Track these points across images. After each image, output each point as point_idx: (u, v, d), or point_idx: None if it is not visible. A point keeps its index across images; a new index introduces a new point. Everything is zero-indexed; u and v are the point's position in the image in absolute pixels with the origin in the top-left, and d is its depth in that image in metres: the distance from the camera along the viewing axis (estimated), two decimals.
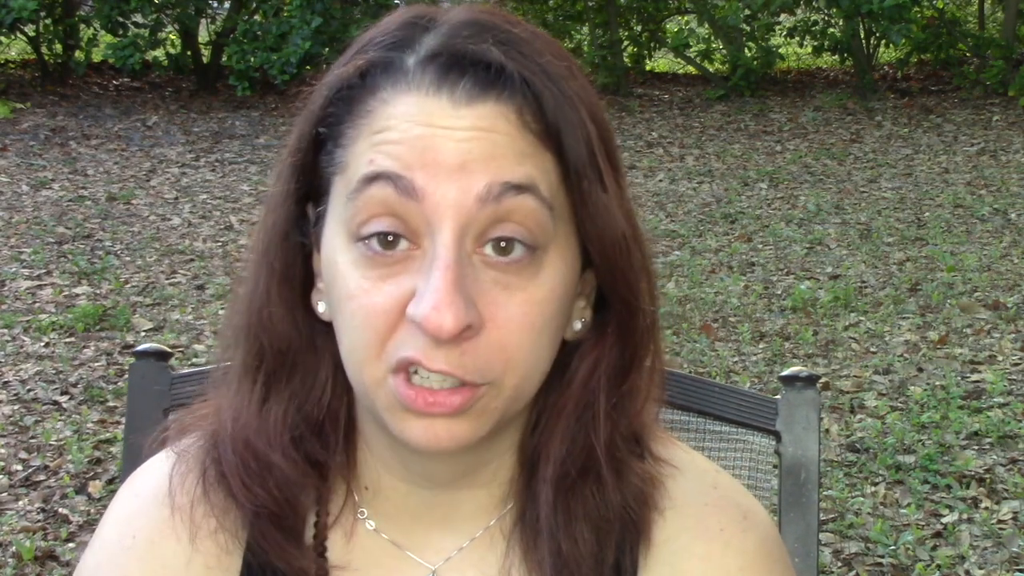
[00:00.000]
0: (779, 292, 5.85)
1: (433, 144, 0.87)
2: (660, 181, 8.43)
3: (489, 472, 0.99)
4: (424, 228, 0.87)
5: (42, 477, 3.88)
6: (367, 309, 0.88)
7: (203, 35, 12.04)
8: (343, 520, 1.00)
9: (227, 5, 12.12)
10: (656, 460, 1.01)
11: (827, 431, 4.17)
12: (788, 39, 12.96)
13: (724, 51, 12.63)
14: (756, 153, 9.40)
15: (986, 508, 3.67)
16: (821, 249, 6.63)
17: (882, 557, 3.41)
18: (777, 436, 1.43)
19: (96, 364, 4.81)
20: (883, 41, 12.10)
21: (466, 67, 0.89)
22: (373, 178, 0.88)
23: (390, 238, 0.88)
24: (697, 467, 1.05)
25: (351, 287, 0.89)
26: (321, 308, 0.96)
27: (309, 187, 0.95)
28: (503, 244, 0.88)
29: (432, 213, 0.87)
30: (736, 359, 4.92)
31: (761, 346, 5.08)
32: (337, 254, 0.90)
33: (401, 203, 0.87)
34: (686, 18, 13.42)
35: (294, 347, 0.97)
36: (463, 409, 0.88)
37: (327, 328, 0.95)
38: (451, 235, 0.86)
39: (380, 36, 0.93)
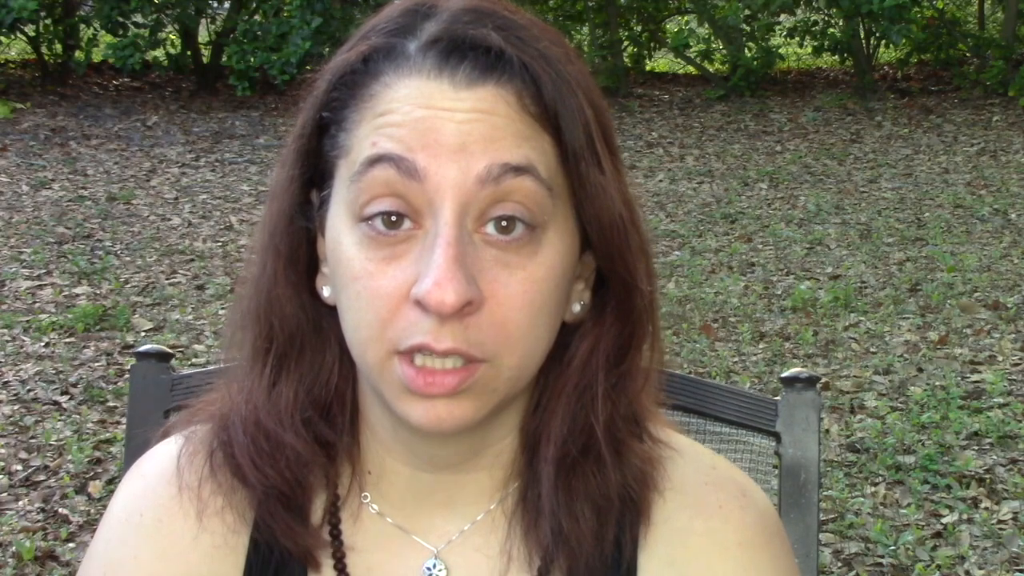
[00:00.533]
0: (779, 292, 5.85)
1: (434, 126, 0.89)
2: (660, 181, 8.43)
3: (491, 454, 1.01)
4: (426, 208, 0.90)
5: (42, 477, 3.88)
6: (371, 291, 0.90)
7: (203, 35, 12.04)
8: (350, 502, 1.02)
9: (227, 5, 12.12)
10: (656, 442, 1.03)
11: (827, 431, 4.17)
12: (788, 39, 12.96)
13: (724, 51, 12.63)
14: (756, 153, 9.41)
15: (986, 508, 3.67)
16: (821, 249, 6.63)
17: (882, 557, 3.41)
18: (777, 437, 1.43)
19: (96, 364, 4.82)
20: (883, 41, 12.11)
21: (466, 51, 0.91)
22: (376, 160, 0.90)
23: (393, 218, 0.90)
24: (696, 450, 1.07)
25: (356, 268, 0.91)
26: (326, 292, 0.98)
27: (313, 172, 0.97)
28: (504, 223, 0.90)
29: (434, 193, 0.89)
30: (736, 359, 4.92)
31: (761, 346, 5.08)
32: (342, 235, 0.92)
33: (403, 184, 0.89)
34: (686, 18, 13.43)
35: (302, 329, 0.99)
36: (460, 388, 0.89)
37: (332, 312, 0.97)
38: (452, 214, 0.88)
39: (382, 23, 0.96)
